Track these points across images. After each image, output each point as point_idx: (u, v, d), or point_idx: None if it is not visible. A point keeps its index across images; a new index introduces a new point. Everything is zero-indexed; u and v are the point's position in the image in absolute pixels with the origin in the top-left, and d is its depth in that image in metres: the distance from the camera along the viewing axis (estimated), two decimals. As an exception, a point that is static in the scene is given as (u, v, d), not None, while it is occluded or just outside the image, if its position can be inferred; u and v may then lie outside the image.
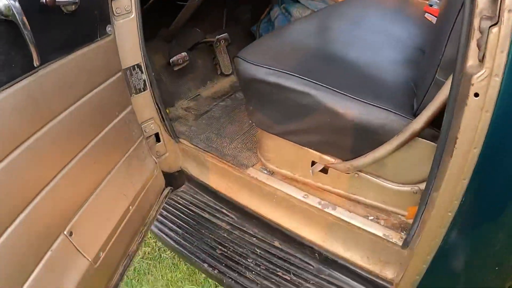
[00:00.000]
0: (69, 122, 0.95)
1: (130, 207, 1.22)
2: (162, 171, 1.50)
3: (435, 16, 1.50)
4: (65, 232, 0.92)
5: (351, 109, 1.05)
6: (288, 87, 1.11)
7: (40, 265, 0.85)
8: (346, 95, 1.06)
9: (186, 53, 1.81)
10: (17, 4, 0.70)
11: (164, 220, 1.59)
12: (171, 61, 1.76)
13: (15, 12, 0.69)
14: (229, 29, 2.39)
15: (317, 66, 1.17)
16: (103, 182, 1.12)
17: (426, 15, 1.56)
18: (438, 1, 1.61)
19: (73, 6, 0.88)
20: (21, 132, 0.80)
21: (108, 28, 1.10)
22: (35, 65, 0.78)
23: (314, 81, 1.09)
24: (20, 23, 0.71)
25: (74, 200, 0.98)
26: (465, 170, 0.76)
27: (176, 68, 1.80)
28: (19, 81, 0.77)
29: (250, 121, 1.35)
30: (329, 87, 1.08)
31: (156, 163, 1.45)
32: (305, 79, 1.10)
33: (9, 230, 0.77)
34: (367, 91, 1.07)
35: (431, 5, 1.61)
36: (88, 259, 0.98)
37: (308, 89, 1.09)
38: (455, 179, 0.79)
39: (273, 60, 1.17)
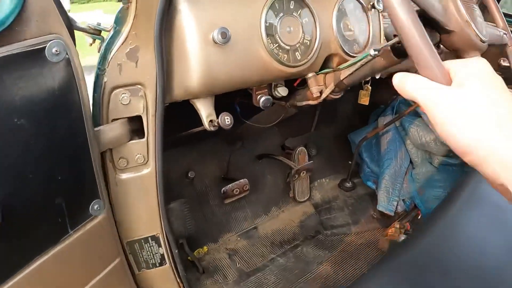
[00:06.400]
0: None
1: None
2: None
3: None
4: None
5: None
6: None
7: None
8: None
9: (247, 181, 1.28)
10: None
11: None
12: (222, 191, 1.24)
13: None
14: (319, 131, 1.82)
15: None
16: None
17: None
18: None
19: None
20: None
21: (95, 206, 0.63)
22: None
23: None
24: None
25: None
26: None
27: (227, 201, 1.27)
28: None
29: None
30: None
31: None
32: None
33: None
34: None
35: None
36: None
37: None
38: None
39: None
